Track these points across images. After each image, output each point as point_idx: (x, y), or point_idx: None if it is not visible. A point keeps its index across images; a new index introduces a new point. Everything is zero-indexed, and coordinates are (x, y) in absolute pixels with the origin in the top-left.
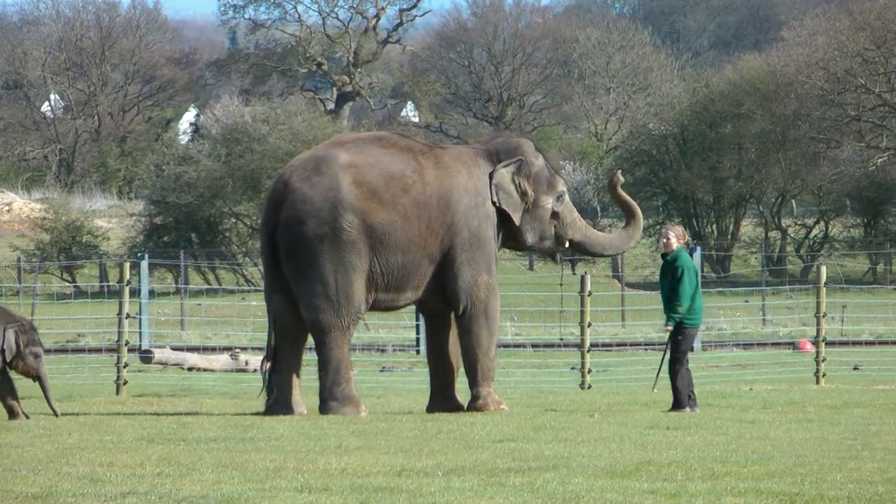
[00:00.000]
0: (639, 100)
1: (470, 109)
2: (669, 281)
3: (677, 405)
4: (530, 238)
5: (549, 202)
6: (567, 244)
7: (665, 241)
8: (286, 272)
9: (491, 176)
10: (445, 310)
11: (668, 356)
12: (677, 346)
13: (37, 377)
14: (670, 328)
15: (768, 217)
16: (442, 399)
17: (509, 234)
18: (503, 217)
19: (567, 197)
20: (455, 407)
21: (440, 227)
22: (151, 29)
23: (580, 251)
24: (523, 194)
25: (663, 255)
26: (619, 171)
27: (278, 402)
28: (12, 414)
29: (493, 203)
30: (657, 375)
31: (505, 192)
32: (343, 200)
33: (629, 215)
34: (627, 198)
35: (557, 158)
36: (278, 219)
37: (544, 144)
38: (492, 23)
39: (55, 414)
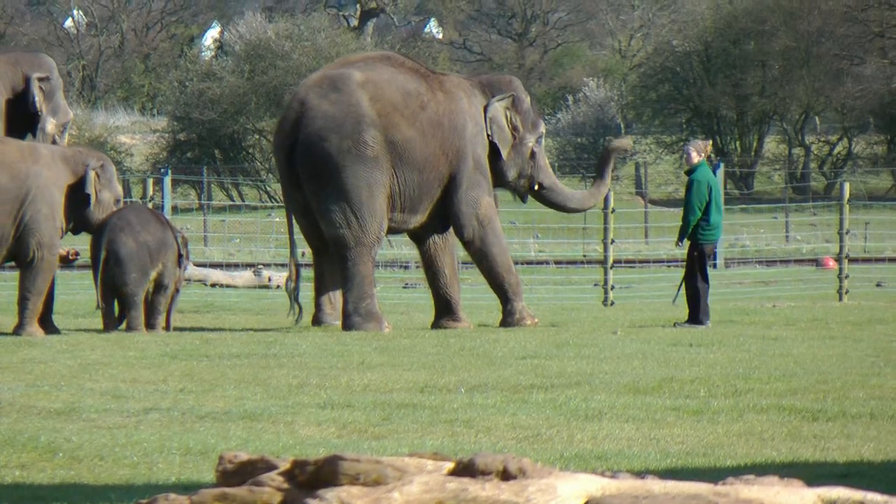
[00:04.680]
0: (663, 17)
1: (494, 26)
2: (685, 195)
3: (693, 320)
4: (511, 173)
5: (531, 141)
6: (536, 187)
7: (686, 156)
8: (307, 190)
9: (485, 109)
10: (441, 234)
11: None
12: (694, 261)
13: (176, 289)
14: (681, 246)
15: (792, 134)
16: (450, 319)
17: (492, 169)
18: (492, 150)
19: (543, 140)
20: (465, 325)
21: (450, 149)
22: None
23: (543, 198)
24: (514, 129)
25: (686, 172)
26: (630, 138)
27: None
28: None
29: (487, 135)
30: (678, 290)
31: (498, 125)
32: (365, 116)
33: (599, 177)
34: (609, 165)
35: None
36: (297, 137)
37: (569, 61)
38: None
39: (168, 328)
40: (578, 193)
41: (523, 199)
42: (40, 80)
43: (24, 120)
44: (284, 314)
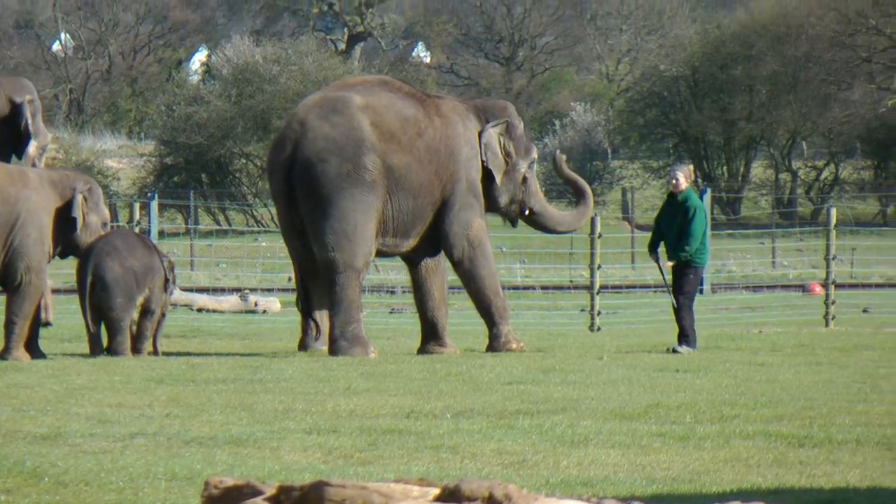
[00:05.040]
0: (651, 41)
1: (481, 50)
2: (680, 220)
3: (688, 341)
4: (503, 199)
5: (523, 167)
6: (527, 212)
7: (674, 181)
8: (302, 211)
9: (480, 134)
10: (433, 257)
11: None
12: (684, 284)
13: (162, 313)
14: (671, 264)
15: (779, 159)
16: (437, 344)
17: (484, 193)
18: (485, 175)
19: (535, 166)
20: (451, 351)
21: (445, 173)
22: None
23: (534, 222)
24: (507, 155)
25: (671, 195)
26: (559, 151)
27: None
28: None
29: (481, 160)
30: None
31: (492, 151)
32: (366, 140)
33: (579, 194)
34: (575, 176)
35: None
36: (296, 157)
37: (556, 86)
38: None
39: (156, 352)
40: (568, 216)
41: (513, 224)
42: (30, 102)
43: (5, 143)
44: (272, 338)
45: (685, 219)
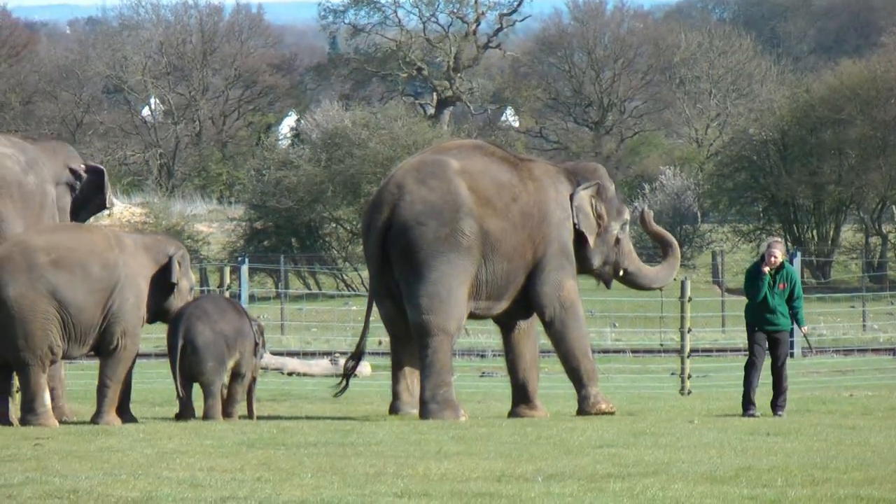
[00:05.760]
0: (740, 105)
1: (570, 114)
2: (789, 287)
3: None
4: (596, 261)
5: (616, 228)
6: (621, 273)
7: (773, 258)
8: (397, 273)
9: (572, 197)
10: (525, 320)
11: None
12: (776, 350)
13: (253, 377)
14: (806, 329)
15: (868, 222)
16: (527, 407)
17: (577, 256)
18: (577, 237)
19: (628, 227)
20: (542, 414)
21: (538, 236)
22: (253, 34)
23: (629, 282)
24: (598, 217)
25: (775, 270)
26: (647, 207)
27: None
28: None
29: (573, 223)
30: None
31: (584, 213)
32: (464, 205)
33: (666, 248)
34: (662, 231)
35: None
36: (392, 221)
37: (646, 150)
38: (592, 28)
39: (251, 416)
40: (660, 272)
41: (607, 285)
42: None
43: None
44: (362, 402)
45: (793, 285)
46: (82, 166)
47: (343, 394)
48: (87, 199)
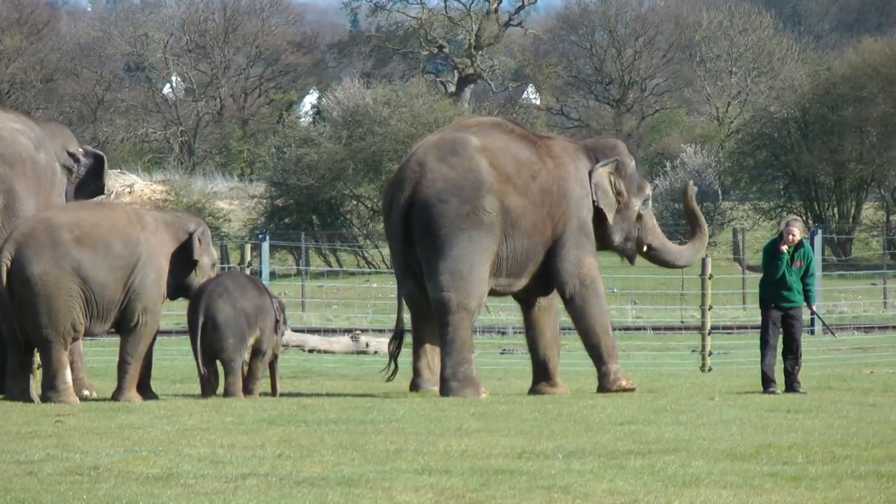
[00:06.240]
0: (760, 83)
1: (591, 92)
2: (805, 265)
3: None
4: (617, 238)
5: (637, 204)
6: (645, 248)
7: (791, 237)
8: (419, 251)
9: (590, 174)
10: (545, 297)
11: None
12: (791, 327)
13: (274, 354)
14: (815, 307)
15: (889, 200)
16: (547, 384)
17: (597, 233)
18: (597, 214)
19: (650, 202)
20: (562, 391)
21: (557, 213)
22: (274, 12)
23: (653, 258)
24: (618, 194)
25: (794, 247)
26: (692, 182)
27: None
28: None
29: (592, 201)
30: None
31: (603, 190)
32: (485, 182)
33: (696, 227)
34: (698, 211)
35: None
36: (414, 198)
37: (667, 127)
38: (614, 5)
39: (274, 393)
40: (686, 250)
41: (631, 261)
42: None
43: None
44: (381, 379)
45: (810, 263)
46: (80, 150)
47: (394, 377)
48: (84, 184)
